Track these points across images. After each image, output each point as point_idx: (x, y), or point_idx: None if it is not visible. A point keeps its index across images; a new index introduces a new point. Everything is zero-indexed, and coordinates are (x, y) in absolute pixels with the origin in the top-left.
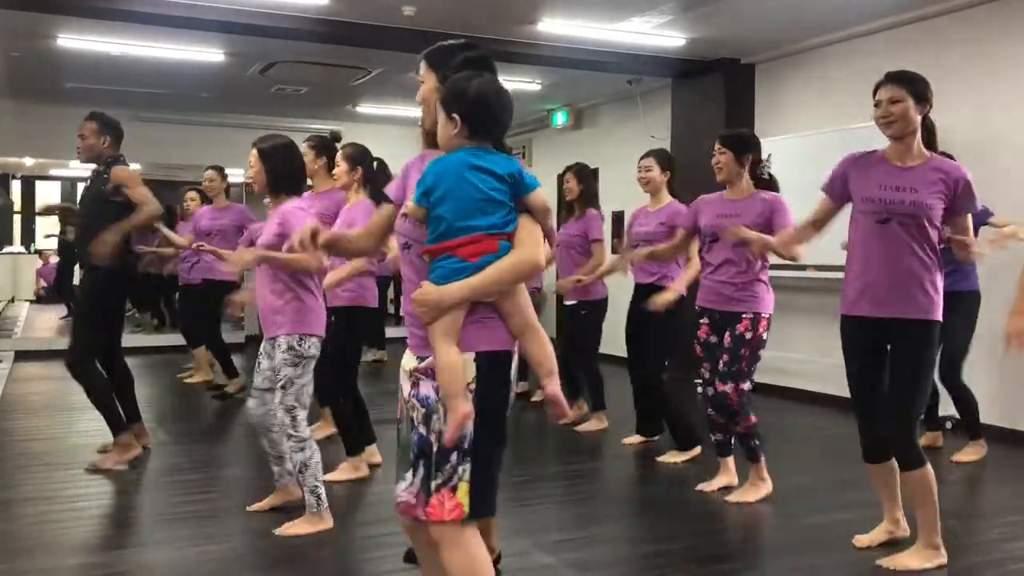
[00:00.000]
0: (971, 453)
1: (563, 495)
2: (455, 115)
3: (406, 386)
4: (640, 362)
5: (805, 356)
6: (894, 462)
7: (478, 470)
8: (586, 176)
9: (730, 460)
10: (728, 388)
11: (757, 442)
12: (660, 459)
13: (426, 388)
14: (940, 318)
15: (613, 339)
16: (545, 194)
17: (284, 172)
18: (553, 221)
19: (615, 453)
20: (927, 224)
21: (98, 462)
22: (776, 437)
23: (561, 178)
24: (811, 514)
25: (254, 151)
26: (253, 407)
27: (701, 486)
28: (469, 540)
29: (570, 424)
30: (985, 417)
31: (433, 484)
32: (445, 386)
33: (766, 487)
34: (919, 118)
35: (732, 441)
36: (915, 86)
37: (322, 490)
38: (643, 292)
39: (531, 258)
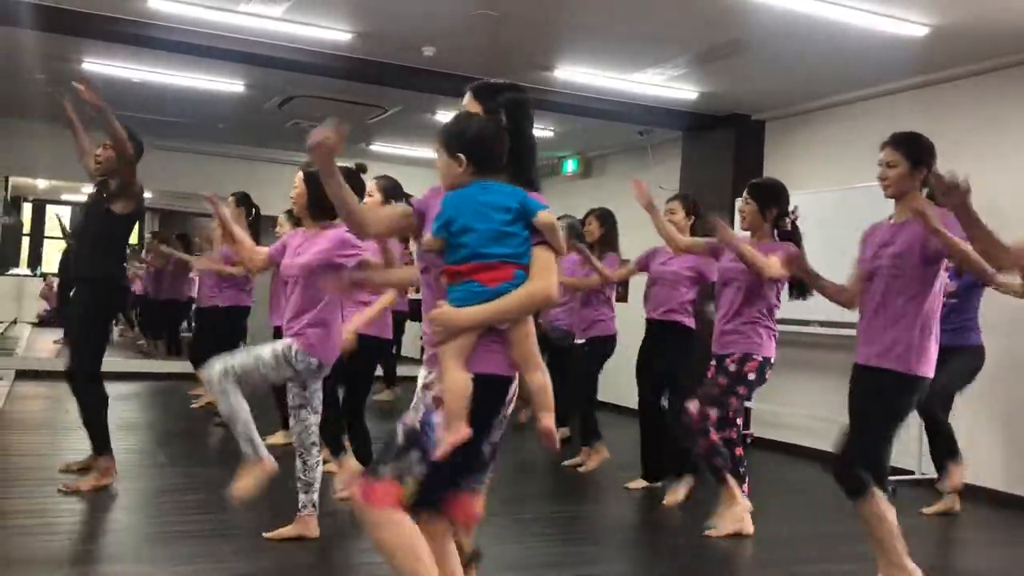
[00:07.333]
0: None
1: (559, 534)
2: (459, 154)
3: (419, 396)
4: (655, 399)
5: (805, 411)
6: (878, 507)
7: (432, 476)
8: (608, 221)
9: (730, 483)
10: (691, 406)
11: (720, 460)
12: (665, 502)
13: (427, 399)
14: (916, 372)
15: (612, 387)
16: (550, 215)
17: (324, 196)
18: (562, 243)
19: (618, 495)
20: (907, 277)
21: (72, 484)
22: (770, 489)
23: (578, 222)
24: (802, 564)
25: (300, 173)
26: (292, 426)
27: (708, 532)
28: (392, 517)
29: (574, 466)
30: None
31: (382, 469)
32: (449, 405)
33: (741, 506)
34: (916, 181)
35: (720, 464)
36: (911, 149)
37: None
38: (654, 327)
39: (544, 290)
